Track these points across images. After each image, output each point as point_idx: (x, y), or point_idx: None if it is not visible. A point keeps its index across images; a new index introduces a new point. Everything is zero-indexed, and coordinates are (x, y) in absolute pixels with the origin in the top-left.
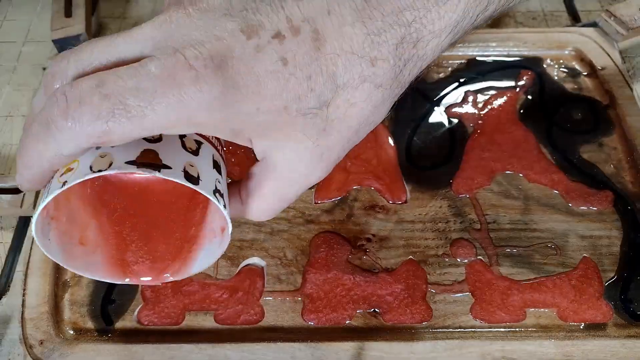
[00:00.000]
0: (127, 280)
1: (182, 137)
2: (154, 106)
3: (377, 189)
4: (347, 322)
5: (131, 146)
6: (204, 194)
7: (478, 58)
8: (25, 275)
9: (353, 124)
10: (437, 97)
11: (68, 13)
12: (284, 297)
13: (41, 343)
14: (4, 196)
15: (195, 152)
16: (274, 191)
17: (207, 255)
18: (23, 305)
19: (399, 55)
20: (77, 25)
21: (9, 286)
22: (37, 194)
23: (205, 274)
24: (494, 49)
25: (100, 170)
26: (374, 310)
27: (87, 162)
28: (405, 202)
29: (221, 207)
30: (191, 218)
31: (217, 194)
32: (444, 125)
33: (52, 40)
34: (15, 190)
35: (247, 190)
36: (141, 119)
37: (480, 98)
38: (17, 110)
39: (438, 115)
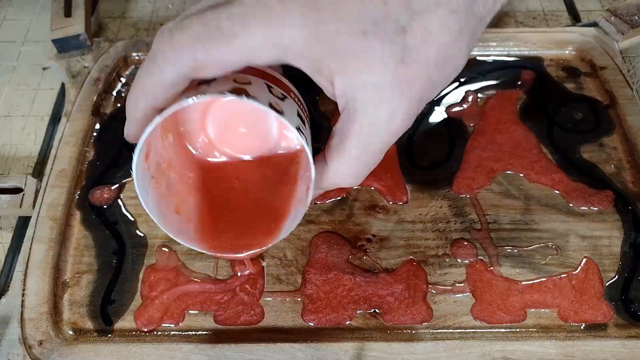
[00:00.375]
0: (214, 253)
1: (269, 86)
2: (246, 27)
3: (377, 190)
4: (347, 322)
5: (223, 84)
6: (288, 124)
7: (478, 58)
8: (25, 275)
9: (431, 55)
10: (437, 97)
11: (68, 13)
12: (284, 297)
13: (40, 343)
14: (3, 196)
15: (282, 99)
16: (358, 142)
17: (291, 220)
18: (22, 305)
19: None
20: (76, 25)
21: (8, 286)
22: (37, 194)
23: (205, 274)
24: (494, 49)
25: (197, 97)
26: (374, 311)
27: (185, 97)
28: (406, 202)
29: (303, 141)
30: (283, 193)
31: (300, 131)
32: (444, 125)
33: (52, 40)
34: (15, 191)
35: (330, 149)
36: (234, 39)
37: (480, 98)
38: (16, 110)
39: (438, 115)
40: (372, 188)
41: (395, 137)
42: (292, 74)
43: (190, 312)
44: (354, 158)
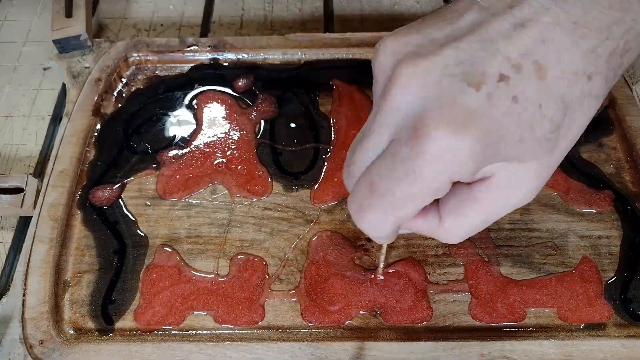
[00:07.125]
0: None
1: None
2: (420, 171)
3: None
4: (347, 322)
5: None
6: None
7: None
8: (26, 275)
9: (572, 139)
10: None
11: (68, 13)
12: (284, 297)
13: (41, 343)
14: (4, 196)
15: None
16: (483, 210)
17: None
18: (23, 305)
19: (610, 66)
20: (77, 25)
21: (9, 286)
22: (38, 194)
23: (206, 273)
24: None
25: None
26: (374, 310)
27: None
28: None
29: None
30: None
31: None
32: None
33: (53, 41)
34: (16, 190)
35: (447, 208)
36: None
37: None
38: (17, 110)
39: None
40: None
41: (515, 208)
42: (293, 74)
43: (190, 311)
44: (471, 223)
